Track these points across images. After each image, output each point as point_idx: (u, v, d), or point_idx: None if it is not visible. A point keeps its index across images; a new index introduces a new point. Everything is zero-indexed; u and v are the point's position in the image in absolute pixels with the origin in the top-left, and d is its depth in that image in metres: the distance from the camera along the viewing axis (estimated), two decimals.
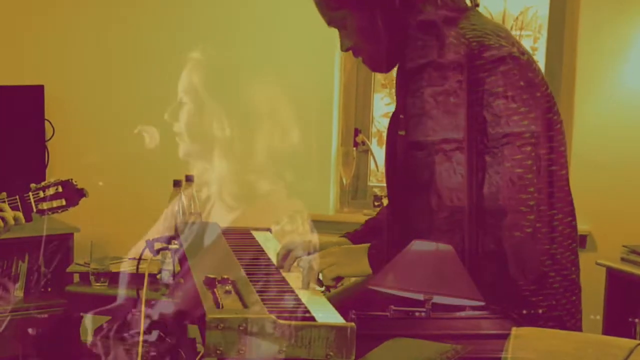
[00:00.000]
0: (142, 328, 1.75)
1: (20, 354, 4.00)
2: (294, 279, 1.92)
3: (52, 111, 4.19)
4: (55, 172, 3.98)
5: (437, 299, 1.77)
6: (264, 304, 1.59)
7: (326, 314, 1.64)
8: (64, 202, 2.56)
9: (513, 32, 2.03)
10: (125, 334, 1.80)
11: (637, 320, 3.36)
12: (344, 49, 2.07)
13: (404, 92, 1.95)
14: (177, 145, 1.93)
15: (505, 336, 1.65)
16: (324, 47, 3.97)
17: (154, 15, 4.22)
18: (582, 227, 2.15)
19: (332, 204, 4.11)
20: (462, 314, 1.82)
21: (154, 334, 1.75)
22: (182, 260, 1.93)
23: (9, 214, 2.48)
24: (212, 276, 1.65)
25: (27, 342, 4.00)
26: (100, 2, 4.30)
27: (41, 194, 2.53)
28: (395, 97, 2.11)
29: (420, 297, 1.77)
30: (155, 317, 1.76)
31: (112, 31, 4.25)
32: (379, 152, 4.15)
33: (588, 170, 3.66)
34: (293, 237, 2.04)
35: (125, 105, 4.22)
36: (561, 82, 3.80)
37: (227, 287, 1.64)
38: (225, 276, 1.66)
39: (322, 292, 1.90)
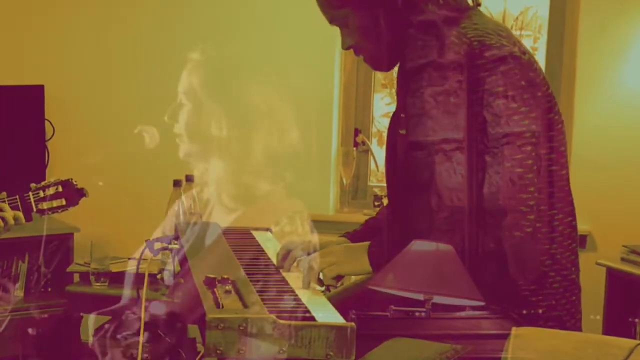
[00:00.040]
0: (142, 328, 1.75)
1: (20, 354, 4.00)
2: (294, 279, 1.92)
3: (52, 111, 4.19)
4: (55, 172, 3.98)
5: (437, 299, 1.77)
6: (264, 304, 1.59)
7: (326, 314, 1.64)
8: (64, 202, 2.56)
9: (513, 32, 2.03)
10: (119, 335, 1.80)
11: (637, 320, 3.36)
12: (345, 47, 2.07)
13: (405, 91, 1.95)
14: (177, 145, 1.93)
15: (505, 336, 1.65)
16: (324, 47, 3.97)
17: (154, 15, 4.22)
18: (582, 227, 2.15)
19: (332, 204, 4.11)
20: (462, 314, 1.82)
21: (146, 335, 1.75)
22: (183, 260, 1.93)
23: (9, 213, 2.48)
24: (212, 276, 1.65)
25: (27, 342, 4.00)
26: (100, 2, 4.30)
27: (41, 194, 2.53)
28: (395, 97, 2.12)
29: (420, 297, 1.77)
30: (147, 318, 1.76)
31: (112, 31, 4.25)
32: (379, 152, 4.15)
33: (588, 170, 3.66)
34: (293, 237, 2.04)
35: (125, 105, 4.22)
36: (561, 82, 3.80)
37: (227, 287, 1.64)
38: (225, 276, 1.66)
39: (322, 292, 1.90)
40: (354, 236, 2.20)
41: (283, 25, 4.04)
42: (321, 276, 1.95)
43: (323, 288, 1.93)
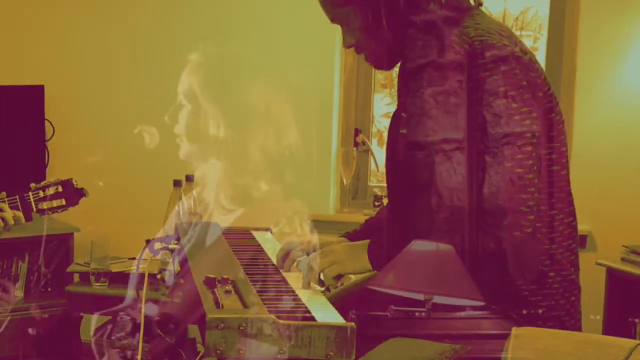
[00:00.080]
0: (142, 328, 1.75)
1: (20, 354, 4.00)
2: (294, 279, 1.92)
3: (52, 111, 4.19)
4: (55, 172, 3.98)
5: (437, 299, 1.77)
6: (264, 304, 1.58)
7: (326, 314, 1.64)
8: (63, 202, 2.56)
9: (514, 32, 2.03)
10: (113, 336, 1.80)
11: (637, 320, 3.36)
12: (347, 45, 2.07)
13: (405, 91, 1.95)
14: (177, 145, 1.94)
15: (505, 336, 1.65)
16: (324, 47, 3.97)
17: (154, 15, 4.22)
18: (582, 227, 2.15)
19: (332, 204, 4.11)
20: (462, 314, 1.82)
21: (137, 337, 1.76)
22: (183, 260, 1.93)
23: (9, 213, 2.48)
24: (212, 276, 1.65)
25: (27, 342, 4.00)
26: (100, 2, 4.30)
27: (41, 194, 2.53)
28: (395, 97, 2.12)
29: (420, 297, 1.77)
30: (139, 320, 1.76)
31: (112, 31, 4.25)
32: (379, 152, 4.15)
33: (588, 170, 3.66)
34: (292, 237, 2.04)
35: (125, 105, 4.23)
36: (561, 82, 3.80)
37: (227, 287, 1.64)
38: (226, 276, 1.66)
39: (322, 292, 1.90)
40: (354, 236, 2.20)
41: (283, 25, 4.05)
42: (322, 277, 1.95)
43: (323, 288, 1.93)
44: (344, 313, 1.65)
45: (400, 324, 1.76)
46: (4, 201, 2.50)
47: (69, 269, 3.84)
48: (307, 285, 1.89)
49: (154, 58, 4.16)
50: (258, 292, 1.67)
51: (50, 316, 3.94)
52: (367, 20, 1.98)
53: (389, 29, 1.98)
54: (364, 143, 4.12)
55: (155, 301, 1.84)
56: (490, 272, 1.84)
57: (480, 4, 2.02)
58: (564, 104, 3.67)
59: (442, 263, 1.77)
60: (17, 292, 4.02)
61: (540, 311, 1.87)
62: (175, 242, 1.98)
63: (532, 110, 1.85)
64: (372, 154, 4.15)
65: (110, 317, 2.94)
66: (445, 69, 1.86)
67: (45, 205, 2.53)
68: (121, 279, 3.57)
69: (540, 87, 1.90)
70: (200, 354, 1.57)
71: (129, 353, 1.77)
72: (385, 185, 2.19)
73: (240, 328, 1.45)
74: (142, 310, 1.76)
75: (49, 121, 4.20)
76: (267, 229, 2.39)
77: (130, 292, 1.85)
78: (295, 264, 2.01)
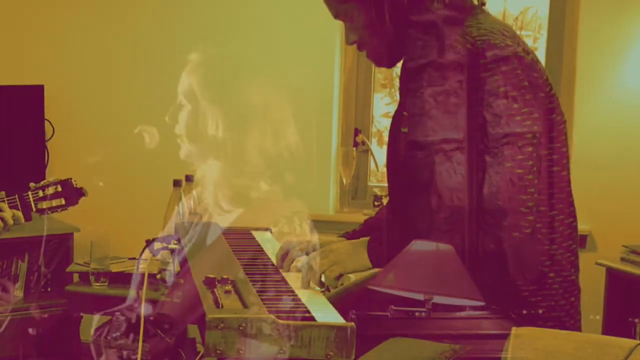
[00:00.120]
0: (141, 328, 1.75)
1: (20, 354, 4.00)
2: (293, 278, 1.92)
3: (52, 111, 4.18)
4: (55, 172, 3.98)
5: (437, 299, 1.77)
6: (264, 304, 1.58)
7: (326, 314, 1.64)
8: (63, 202, 2.55)
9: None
10: (109, 336, 1.80)
11: (637, 320, 3.36)
12: (349, 42, 2.07)
13: (406, 90, 1.95)
14: (177, 145, 1.93)
15: (505, 336, 1.65)
16: (324, 47, 3.97)
17: (154, 15, 4.22)
18: (582, 227, 2.15)
19: (332, 204, 4.11)
20: (462, 314, 1.82)
21: (134, 336, 1.76)
22: (183, 260, 1.93)
23: (8, 213, 2.47)
24: (212, 276, 1.65)
25: (27, 342, 4.00)
26: (100, 2, 4.30)
27: (40, 193, 2.53)
28: (395, 96, 2.11)
29: (420, 297, 1.77)
30: (135, 319, 1.76)
31: (112, 31, 4.25)
32: (379, 152, 4.15)
33: (588, 170, 3.66)
34: (291, 236, 2.04)
35: (125, 105, 4.22)
36: (561, 82, 3.80)
37: (227, 287, 1.64)
38: (225, 276, 1.66)
39: (322, 292, 1.90)
40: (353, 236, 2.20)
41: (283, 25, 4.04)
42: (323, 278, 1.94)
43: (323, 288, 1.93)
44: (344, 313, 1.65)
45: (400, 324, 1.76)
46: (4, 201, 2.49)
47: (68, 269, 3.84)
48: (306, 285, 1.89)
49: (154, 58, 4.16)
50: (258, 292, 1.67)
51: (50, 316, 3.94)
52: (370, 17, 1.98)
53: (391, 27, 1.98)
54: (363, 143, 4.12)
55: (152, 301, 1.84)
56: (490, 272, 1.84)
57: (484, 4, 2.02)
58: (564, 104, 3.65)
59: (442, 263, 1.77)
60: (17, 292, 4.01)
61: (540, 311, 1.87)
62: (175, 242, 1.98)
63: (533, 110, 1.85)
64: (372, 153, 4.15)
65: (110, 317, 2.94)
66: (445, 69, 1.86)
67: (44, 204, 2.53)
68: (121, 279, 3.57)
69: (542, 87, 1.90)
70: (200, 354, 1.57)
71: (124, 353, 1.77)
72: (385, 185, 2.19)
73: (240, 328, 1.45)
74: (142, 310, 1.76)
75: (48, 121, 4.19)
76: (267, 229, 2.39)
77: (132, 292, 1.85)
78: (294, 263, 2.01)
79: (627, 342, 1.60)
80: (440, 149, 1.84)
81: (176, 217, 2.92)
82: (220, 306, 1.54)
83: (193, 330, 3.14)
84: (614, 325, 3.46)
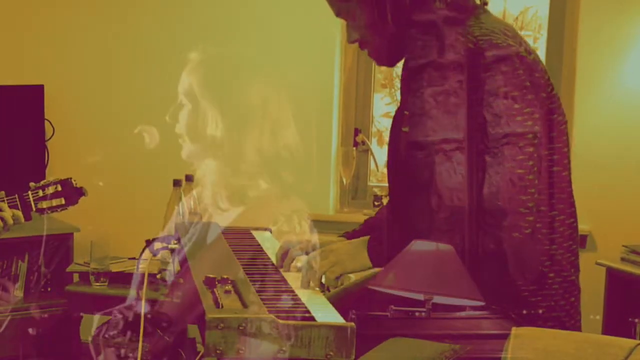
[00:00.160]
0: (141, 328, 1.75)
1: (20, 354, 3.99)
2: (293, 278, 1.92)
3: (52, 111, 4.18)
4: (55, 171, 3.98)
5: (437, 299, 1.77)
6: (264, 303, 1.58)
7: (326, 314, 1.64)
8: (63, 201, 2.55)
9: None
10: (107, 335, 1.80)
11: (637, 320, 3.36)
12: (351, 41, 2.07)
13: (406, 90, 1.95)
14: (177, 145, 1.94)
15: (505, 336, 1.65)
16: (324, 47, 3.97)
17: (154, 15, 4.22)
18: (582, 227, 2.15)
19: (332, 204, 4.11)
20: (462, 314, 1.82)
21: (131, 335, 1.76)
22: (183, 260, 1.93)
23: (8, 213, 2.47)
24: (211, 276, 1.65)
25: (27, 342, 4.00)
26: (100, 2, 4.30)
27: (40, 193, 2.53)
28: (395, 96, 2.11)
29: (420, 297, 1.77)
30: (132, 318, 1.76)
31: (112, 31, 4.25)
32: (379, 152, 4.15)
33: (588, 170, 3.66)
34: (291, 236, 2.04)
35: (125, 105, 4.22)
36: (561, 82, 3.80)
37: (226, 287, 1.64)
38: (225, 276, 1.66)
39: (322, 292, 1.90)
40: (353, 236, 2.20)
41: (283, 25, 4.04)
42: (323, 279, 1.94)
43: (323, 289, 1.93)
44: (344, 313, 1.65)
45: (400, 324, 1.76)
46: (3, 200, 2.49)
47: (68, 269, 3.84)
48: (306, 285, 1.89)
49: (154, 58, 4.16)
50: (258, 291, 1.66)
51: (50, 316, 3.94)
52: (372, 16, 1.98)
53: (393, 25, 1.97)
54: (363, 143, 4.12)
55: (151, 300, 1.83)
56: (490, 272, 1.84)
57: (486, 4, 2.02)
58: (564, 104, 3.65)
59: (442, 263, 1.77)
60: (17, 292, 4.01)
61: (540, 311, 1.87)
62: (175, 242, 1.98)
63: (534, 111, 1.85)
64: (372, 153, 4.15)
65: (110, 317, 2.94)
66: (446, 69, 1.86)
67: (44, 204, 2.53)
68: (121, 279, 3.57)
69: (543, 87, 1.89)
70: (200, 354, 1.57)
71: (122, 351, 1.77)
72: (385, 185, 2.19)
73: (240, 328, 1.45)
74: (142, 310, 1.76)
75: (48, 121, 4.19)
76: (266, 229, 2.39)
77: (132, 292, 1.85)
78: (294, 263, 2.01)
79: (627, 342, 1.60)
80: (440, 149, 1.84)
81: (176, 217, 2.92)
82: (220, 306, 1.54)
83: (193, 330, 3.14)
84: (614, 325, 3.46)
